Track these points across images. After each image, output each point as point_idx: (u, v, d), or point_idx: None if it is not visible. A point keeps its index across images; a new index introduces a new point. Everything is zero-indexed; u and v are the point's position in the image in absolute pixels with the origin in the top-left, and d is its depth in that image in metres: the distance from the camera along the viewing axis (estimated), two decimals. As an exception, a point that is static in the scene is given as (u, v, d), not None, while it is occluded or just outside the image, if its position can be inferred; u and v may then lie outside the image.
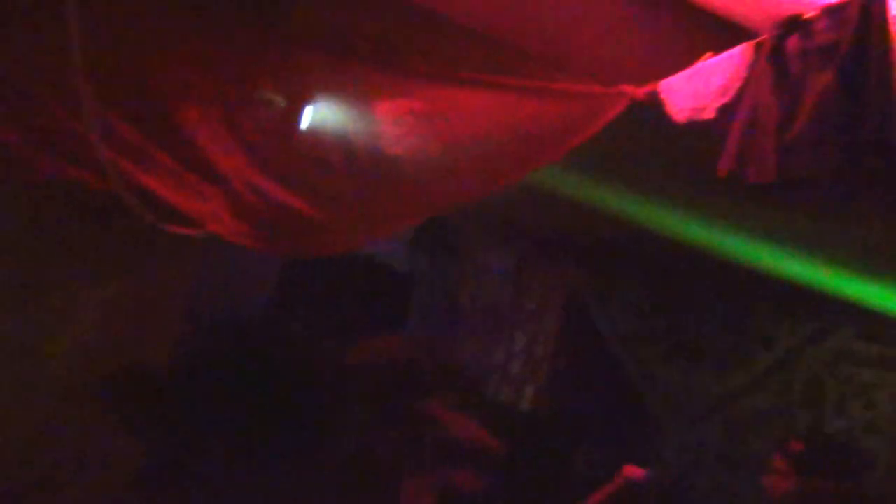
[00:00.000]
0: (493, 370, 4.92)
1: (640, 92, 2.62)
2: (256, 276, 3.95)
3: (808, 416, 5.23)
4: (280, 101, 2.77)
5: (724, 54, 2.43)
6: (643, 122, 2.69)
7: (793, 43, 2.22)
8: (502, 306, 4.96)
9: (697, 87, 2.47)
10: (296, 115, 2.77)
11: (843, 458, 3.25)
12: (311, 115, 2.75)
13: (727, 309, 5.00)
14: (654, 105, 2.60)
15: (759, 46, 2.32)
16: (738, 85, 2.33)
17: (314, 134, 2.73)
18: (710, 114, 2.41)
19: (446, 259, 5.04)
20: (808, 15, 2.22)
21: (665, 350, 4.85)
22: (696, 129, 2.51)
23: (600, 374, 4.69)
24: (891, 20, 2.05)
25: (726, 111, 2.36)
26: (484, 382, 4.87)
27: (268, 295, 4.10)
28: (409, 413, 2.00)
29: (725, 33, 2.71)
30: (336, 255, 3.34)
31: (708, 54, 2.50)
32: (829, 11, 2.15)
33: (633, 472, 3.06)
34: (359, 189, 2.59)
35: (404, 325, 4.74)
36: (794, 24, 2.23)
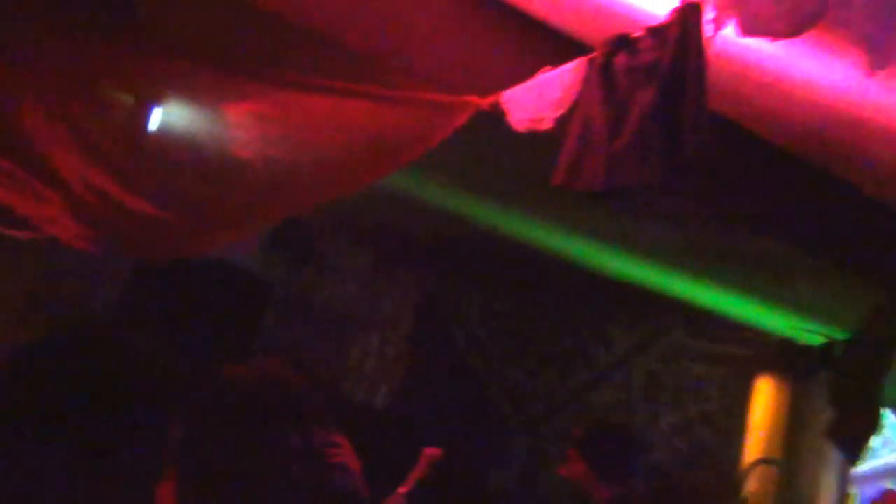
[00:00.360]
0: (348, 370, 4.96)
1: (485, 102, 2.73)
2: (102, 280, 3.83)
3: (647, 410, 5.55)
4: (127, 102, 2.72)
5: (561, 68, 2.57)
6: (492, 129, 2.80)
7: (621, 60, 2.38)
8: (357, 307, 5.02)
9: (536, 99, 2.60)
10: (143, 116, 2.72)
11: (623, 441, 3.52)
12: (159, 117, 2.72)
13: (570, 310, 5.23)
14: (497, 114, 2.73)
15: (591, 62, 2.47)
16: (572, 98, 2.47)
17: (162, 136, 2.69)
18: (547, 124, 2.54)
19: (302, 261, 5.04)
20: (634, 34, 2.39)
21: (512, 350, 5.03)
22: (538, 138, 2.64)
23: (451, 375, 4.81)
24: (706, 42, 2.25)
25: (562, 122, 2.50)
26: (339, 383, 4.89)
27: (114, 300, 3.97)
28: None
29: (564, 47, 2.88)
30: (186, 259, 3.28)
31: (546, 67, 2.64)
32: (653, 32, 2.33)
33: (432, 451, 3.19)
34: (208, 191, 2.58)
35: (259, 329, 4.71)
36: (621, 42, 2.39)
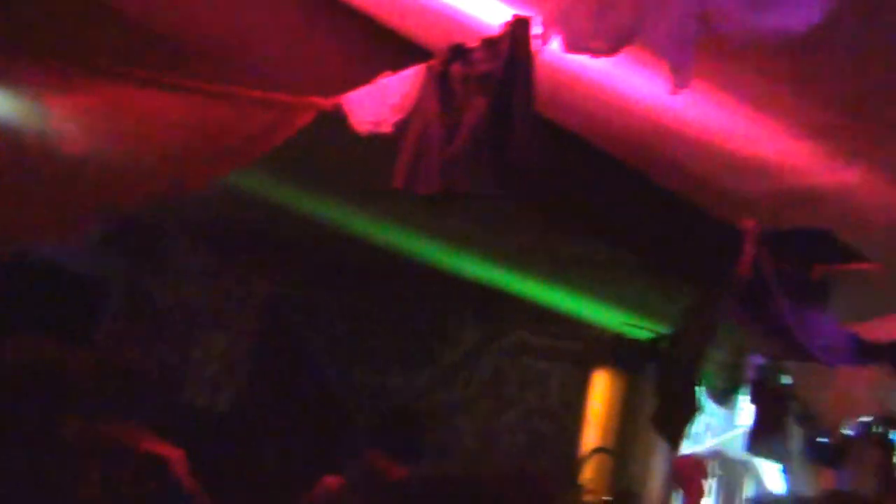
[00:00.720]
0: (189, 373, 4.84)
1: (328, 103, 2.77)
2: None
3: (491, 405, 5.73)
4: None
5: (400, 73, 2.64)
6: (337, 130, 2.83)
7: (456, 69, 2.47)
8: (200, 308, 4.90)
9: (377, 102, 2.66)
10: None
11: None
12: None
13: (416, 310, 5.32)
14: (340, 116, 2.77)
15: (429, 69, 2.55)
16: (411, 103, 2.55)
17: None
18: (387, 128, 2.61)
19: (142, 260, 4.87)
20: (470, 44, 2.49)
21: (359, 351, 5.06)
22: (382, 140, 2.70)
23: (299, 376, 4.79)
24: (534, 55, 2.38)
25: (401, 127, 2.57)
26: (179, 385, 4.77)
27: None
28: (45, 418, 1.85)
29: (408, 52, 2.95)
30: (10, 259, 3.12)
31: (387, 72, 2.70)
32: (486, 43, 2.44)
33: (331, 481, 3.15)
34: (30, 188, 2.47)
35: (94, 331, 4.52)
36: (457, 51, 2.49)
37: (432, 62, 2.55)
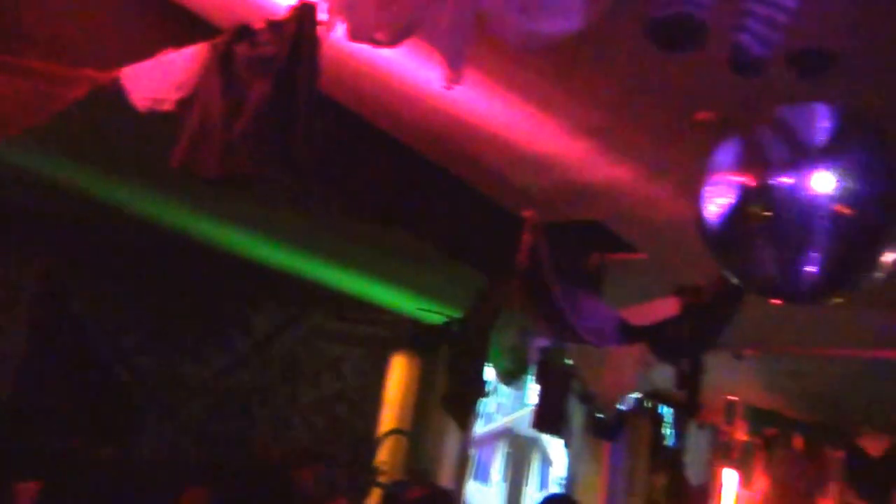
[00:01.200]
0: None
1: (104, 77, 2.62)
2: None
3: (287, 390, 5.69)
4: None
5: (184, 50, 2.55)
6: (119, 106, 2.69)
7: (241, 50, 2.42)
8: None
9: (159, 79, 2.56)
10: None
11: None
12: None
13: (208, 295, 5.17)
14: (118, 91, 2.63)
15: (214, 48, 2.49)
16: (193, 82, 2.47)
17: None
18: (169, 106, 2.51)
19: None
20: (256, 25, 2.45)
21: (145, 338, 4.85)
22: (167, 118, 2.59)
23: (78, 364, 4.51)
24: (320, 40, 2.38)
25: (184, 106, 2.49)
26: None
27: None
28: None
29: (194, 29, 2.85)
30: None
31: (170, 48, 2.60)
32: (272, 26, 2.41)
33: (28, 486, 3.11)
34: None
35: None
36: (242, 32, 2.44)
37: (217, 41, 2.49)
